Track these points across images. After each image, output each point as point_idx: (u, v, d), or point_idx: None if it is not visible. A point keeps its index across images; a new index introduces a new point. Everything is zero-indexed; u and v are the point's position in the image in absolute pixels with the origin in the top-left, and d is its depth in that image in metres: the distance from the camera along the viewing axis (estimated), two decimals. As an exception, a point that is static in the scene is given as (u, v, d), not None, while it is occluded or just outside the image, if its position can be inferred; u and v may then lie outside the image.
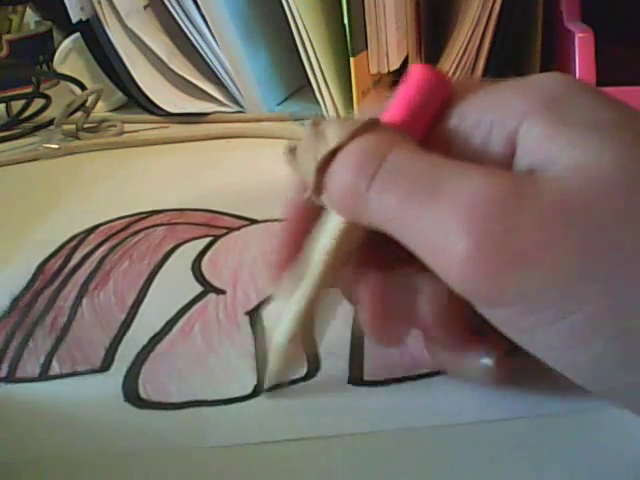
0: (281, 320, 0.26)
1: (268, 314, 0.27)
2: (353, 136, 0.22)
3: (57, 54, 0.69)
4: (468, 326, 0.25)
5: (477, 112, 0.23)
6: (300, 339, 0.26)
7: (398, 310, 0.25)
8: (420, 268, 0.22)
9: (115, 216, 0.44)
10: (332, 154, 0.22)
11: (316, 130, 0.23)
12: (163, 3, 0.63)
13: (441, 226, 0.20)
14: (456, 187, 0.20)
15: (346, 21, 0.56)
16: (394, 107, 0.24)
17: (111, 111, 0.69)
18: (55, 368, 0.30)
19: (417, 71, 0.23)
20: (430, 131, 0.24)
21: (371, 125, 0.23)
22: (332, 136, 0.23)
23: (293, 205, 0.26)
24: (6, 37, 0.77)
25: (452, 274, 0.20)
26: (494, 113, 0.22)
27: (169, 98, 0.66)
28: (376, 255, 0.25)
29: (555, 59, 0.57)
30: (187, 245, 0.40)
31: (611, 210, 0.18)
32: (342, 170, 0.22)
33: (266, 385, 0.27)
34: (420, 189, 0.20)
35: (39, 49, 0.81)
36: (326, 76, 0.59)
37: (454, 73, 0.57)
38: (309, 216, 0.25)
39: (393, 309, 0.25)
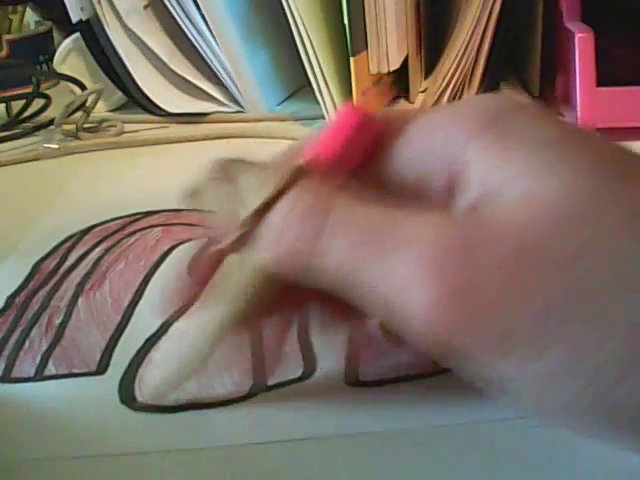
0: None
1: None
2: (283, 190, 0.21)
3: (57, 54, 0.69)
4: None
5: (413, 144, 0.22)
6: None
7: None
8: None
9: (114, 216, 0.44)
10: (262, 209, 0.21)
11: (225, 177, 0.22)
12: (163, 3, 0.63)
13: (399, 278, 0.19)
14: (411, 235, 0.19)
15: (346, 21, 0.56)
16: (319, 148, 0.22)
17: (111, 111, 0.69)
18: (51, 369, 0.30)
19: (343, 113, 0.22)
20: (364, 169, 0.23)
21: (298, 173, 0.21)
22: (256, 191, 0.21)
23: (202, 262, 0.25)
24: (6, 37, 0.77)
25: (415, 327, 0.19)
26: (432, 143, 0.21)
27: (169, 98, 0.66)
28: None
29: (555, 59, 0.56)
30: (183, 246, 0.40)
31: (561, 250, 0.18)
32: (281, 228, 0.21)
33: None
34: (371, 242, 0.19)
35: (39, 49, 0.81)
36: (326, 76, 0.59)
37: (454, 73, 0.57)
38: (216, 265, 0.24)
39: None
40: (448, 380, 0.27)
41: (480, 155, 0.20)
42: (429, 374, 0.28)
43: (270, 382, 0.28)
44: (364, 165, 0.23)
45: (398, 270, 0.19)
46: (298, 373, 0.28)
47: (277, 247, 0.21)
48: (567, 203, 0.18)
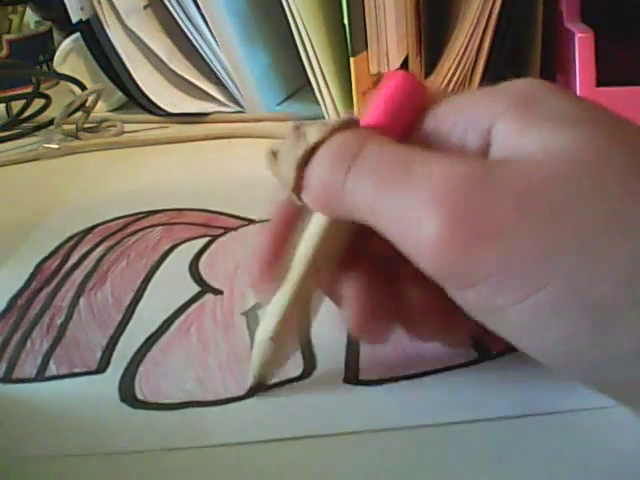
0: (264, 318, 0.26)
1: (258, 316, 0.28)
2: (331, 133, 0.23)
3: (57, 54, 0.69)
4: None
5: (453, 114, 0.24)
6: (284, 337, 0.26)
7: (382, 309, 0.26)
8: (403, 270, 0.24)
9: (115, 216, 0.44)
10: (311, 151, 0.23)
11: (297, 133, 0.24)
12: (163, 3, 0.63)
13: (413, 208, 0.20)
14: (427, 170, 0.21)
15: (346, 21, 0.56)
16: (372, 110, 0.24)
17: (111, 111, 0.69)
18: (52, 370, 0.30)
19: (394, 77, 0.24)
20: (408, 134, 0.24)
21: (349, 123, 0.24)
22: (312, 135, 0.23)
23: (278, 208, 0.27)
24: (6, 37, 0.77)
25: (424, 254, 0.20)
26: (469, 114, 0.23)
27: (169, 98, 0.66)
28: (358, 258, 0.26)
29: (555, 59, 0.56)
30: (185, 245, 0.40)
31: (574, 188, 0.19)
32: (320, 165, 0.23)
33: (250, 384, 0.27)
34: (393, 176, 0.21)
35: (39, 49, 0.81)
36: (326, 76, 0.59)
37: (454, 73, 0.57)
38: (293, 220, 0.26)
39: (377, 308, 0.26)
40: (448, 379, 0.27)
41: (507, 124, 0.22)
42: (429, 373, 0.28)
43: (270, 381, 0.28)
44: (408, 130, 0.24)
45: (412, 202, 0.20)
46: (298, 372, 0.28)
47: (314, 187, 0.23)
48: (580, 153, 0.19)
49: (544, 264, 0.19)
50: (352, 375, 0.28)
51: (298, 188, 0.24)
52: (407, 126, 0.24)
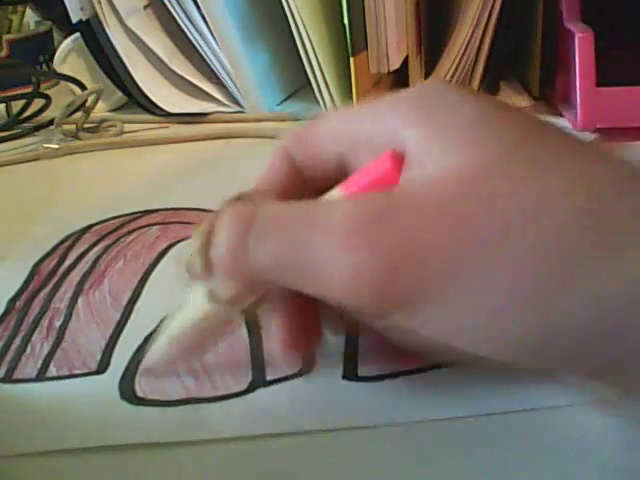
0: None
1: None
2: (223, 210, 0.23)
3: (57, 54, 0.69)
4: None
5: (359, 132, 0.25)
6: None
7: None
8: None
9: (111, 215, 0.44)
10: (211, 229, 0.23)
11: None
12: (163, 3, 0.63)
13: (322, 253, 0.21)
14: (329, 216, 0.21)
15: (346, 21, 0.56)
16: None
17: (111, 111, 0.69)
18: (52, 372, 0.30)
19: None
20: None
21: (240, 197, 0.24)
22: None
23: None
24: (6, 37, 0.77)
25: (341, 293, 0.21)
26: (376, 129, 0.24)
27: (169, 98, 0.66)
28: None
29: (555, 59, 0.56)
30: (181, 244, 0.40)
31: (444, 213, 0.20)
32: (221, 237, 0.23)
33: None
34: (295, 229, 0.22)
35: (39, 49, 0.81)
36: (326, 76, 0.59)
37: (454, 73, 0.57)
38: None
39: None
40: (448, 374, 0.27)
41: (410, 136, 0.22)
42: (427, 369, 0.28)
43: (269, 377, 0.28)
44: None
45: (318, 251, 0.21)
46: (296, 369, 0.28)
47: (218, 259, 0.23)
48: (465, 180, 0.20)
49: (438, 291, 0.20)
50: (351, 371, 0.28)
51: (207, 268, 0.24)
52: None
